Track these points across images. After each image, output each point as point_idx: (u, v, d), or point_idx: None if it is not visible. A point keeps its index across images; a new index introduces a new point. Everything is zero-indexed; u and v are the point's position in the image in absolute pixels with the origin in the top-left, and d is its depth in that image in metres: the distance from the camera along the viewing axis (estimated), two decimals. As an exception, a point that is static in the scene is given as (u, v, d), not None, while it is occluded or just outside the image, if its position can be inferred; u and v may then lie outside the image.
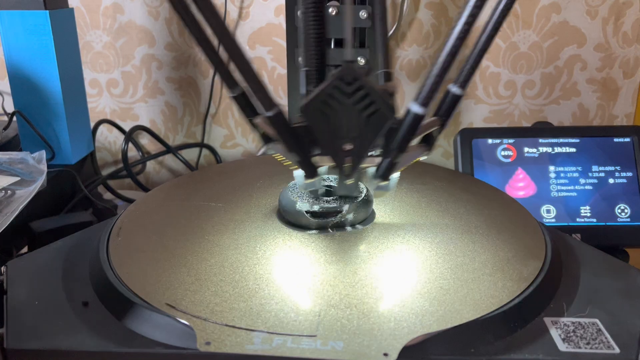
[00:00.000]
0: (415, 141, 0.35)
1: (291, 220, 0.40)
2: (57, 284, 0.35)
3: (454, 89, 0.34)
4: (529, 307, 0.32)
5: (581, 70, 0.70)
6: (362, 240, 0.38)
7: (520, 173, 0.54)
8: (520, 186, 0.53)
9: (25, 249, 0.55)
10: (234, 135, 0.76)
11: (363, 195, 0.40)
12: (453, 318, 0.29)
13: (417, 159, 0.36)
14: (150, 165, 0.77)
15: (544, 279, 0.34)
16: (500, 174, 0.54)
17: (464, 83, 0.35)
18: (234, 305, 0.31)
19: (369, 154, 0.34)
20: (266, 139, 0.35)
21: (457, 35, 0.31)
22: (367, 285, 0.32)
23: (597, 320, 0.31)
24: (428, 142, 0.36)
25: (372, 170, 0.36)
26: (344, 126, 0.31)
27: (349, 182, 0.37)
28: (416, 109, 0.32)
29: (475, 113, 0.73)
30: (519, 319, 0.31)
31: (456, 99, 0.35)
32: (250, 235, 0.38)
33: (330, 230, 0.39)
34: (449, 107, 0.35)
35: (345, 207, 0.39)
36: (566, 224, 0.52)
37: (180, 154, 0.74)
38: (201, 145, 0.75)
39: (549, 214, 0.52)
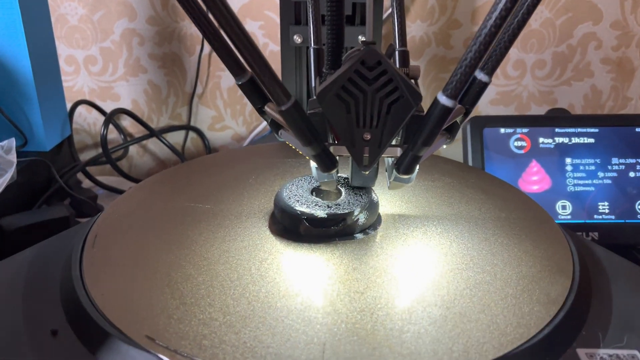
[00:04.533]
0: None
1: (288, 226, 0.35)
2: (23, 308, 0.30)
3: (481, 76, 0.32)
4: (560, 337, 0.28)
5: (595, 49, 0.66)
6: (368, 252, 0.34)
7: (534, 165, 0.49)
8: (534, 180, 0.49)
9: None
10: (222, 116, 0.71)
11: (369, 198, 0.36)
12: (475, 355, 0.26)
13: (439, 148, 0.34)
14: (133, 149, 0.72)
15: (574, 301, 0.30)
16: (512, 166, 0.49)
17: (491, 70, 0.32)
18: (225, 338, 0.26)
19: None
20: (276, 126, 0.33)
21: (493, 22, 0.26)
22: (375, 311, 0.28)
23: (636, 352, 0.27)
24: (450, 131, 0.33)
25: (389, 160, 0.34)
26: (364, 114, 0.29)
27: (366, 172, 0.34)
28: (445, 101, 0.28)
29: (481, 94, 0.68)
30: (551, 351, 0.27)
31: (483, 87, 0.33)
32: (242, 246, 0.34)
33: (331, 239, 0.35)
34: (475, 94, 0.33)
35: (354, 212, 0.34)
36: (582, 221, 0.48)
37: (164, 138, 0.69)
38: (187, 127, 0.70)
39: (564, 210, 0.49)
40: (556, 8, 0.64)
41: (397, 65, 0.36)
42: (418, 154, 0.31)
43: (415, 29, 0.65)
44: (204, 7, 0.28)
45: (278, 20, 0.65)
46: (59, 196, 0.58)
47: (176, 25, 0.66)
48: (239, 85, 0.31)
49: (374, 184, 0.36)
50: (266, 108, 0.32)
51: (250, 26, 0.66)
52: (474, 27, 0.65)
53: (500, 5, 0.26)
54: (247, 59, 0.28)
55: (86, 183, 0.65)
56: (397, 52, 0.38)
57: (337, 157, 0.33)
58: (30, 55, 0.55)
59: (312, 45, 0.35)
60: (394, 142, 0.33)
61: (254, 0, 0.65)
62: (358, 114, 0.29)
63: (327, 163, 0.32)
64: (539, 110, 0.68)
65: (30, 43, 0.54)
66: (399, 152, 0.32)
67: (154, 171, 0.73)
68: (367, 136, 0.30)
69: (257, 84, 0.31)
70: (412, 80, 0.34)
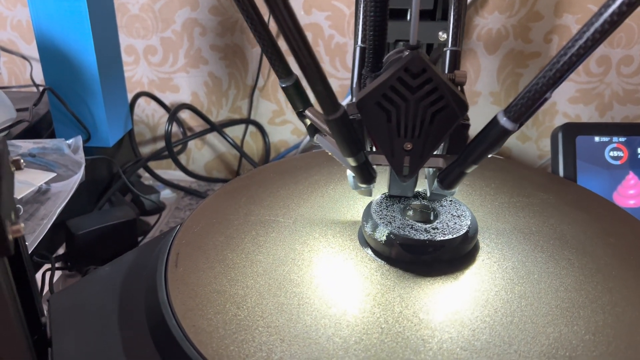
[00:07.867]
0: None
1: (381, 251, 0.33)
2: (112, 335, 0.29)
3: None
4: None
5: (691, 45, 0.60)
6: (470, 285, 0.31)
7: (631, 178, 0.46)
8: (631, 194, 0.46)
9: (62, 249, 0.50)
10: (283, 110, 0.68)
11: (469, 221, 0.33)
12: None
13: None
14: (192, 142, 0.70)
15: None
16: (607, 178, 0.46)
17: (554, 88, 0.29)
18: (332, 386, 0.25)
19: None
20: (313, 130, 0.31)
21: (576, 51, 0.23)
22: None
23: None
24: None
25: (429, 170, 0.33)
26: (405, 124, 0.27)
27: (405, 183, 0.33)
28: (506, 123, 0.26)
29: (558, 92, 0.64)
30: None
31: (542, 102, 0.30)
32: (332, 269, 0.32)
33: (427, 266, 0.32)
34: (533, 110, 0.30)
35: (455, 239, 0.32)
36: (684, 240, 0.44)
37: (225, 132, 0.67)
38: (247, 121, 0.68)
39: (663, 228, 0.45)
40: (649, -1, 0.59)
41: (447, 67, 0.33)
42: (465, 171, 0.29)
43: (492, 20, 0.61)
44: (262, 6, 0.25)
45: (345, 11, 0.62)
46: (120, 191, 0.56)
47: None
48: (283, 88, 0.29)
49: (412, 193, 0.35)
50: (307, 112, 0.30)
51: (317, 17, 0.63)
52: (557, 20, 0.60)
53: (588, 35, 0.22)
54: (304, 66, 0.25)
55: (145, 177, 0.64)
56: (447, 52, 0.34)
57: (375, 166, 0.31)
58: (96, 49, 0.53)
59: (359, 43, 0.33)
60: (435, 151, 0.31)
61: (321, -10, 0.61)
62: (399, 123, 0.27)
63: (367, 176, 0.30)
64: (622, 109, 0.64)
65: (96, 37, 0.53)
66: (441, 162, 0.30)
67: (212, 165, 0.72)
68: (409, 146, 0.28)
69: (301, 88, 0.29)
70: (458, 87, 0.31)
